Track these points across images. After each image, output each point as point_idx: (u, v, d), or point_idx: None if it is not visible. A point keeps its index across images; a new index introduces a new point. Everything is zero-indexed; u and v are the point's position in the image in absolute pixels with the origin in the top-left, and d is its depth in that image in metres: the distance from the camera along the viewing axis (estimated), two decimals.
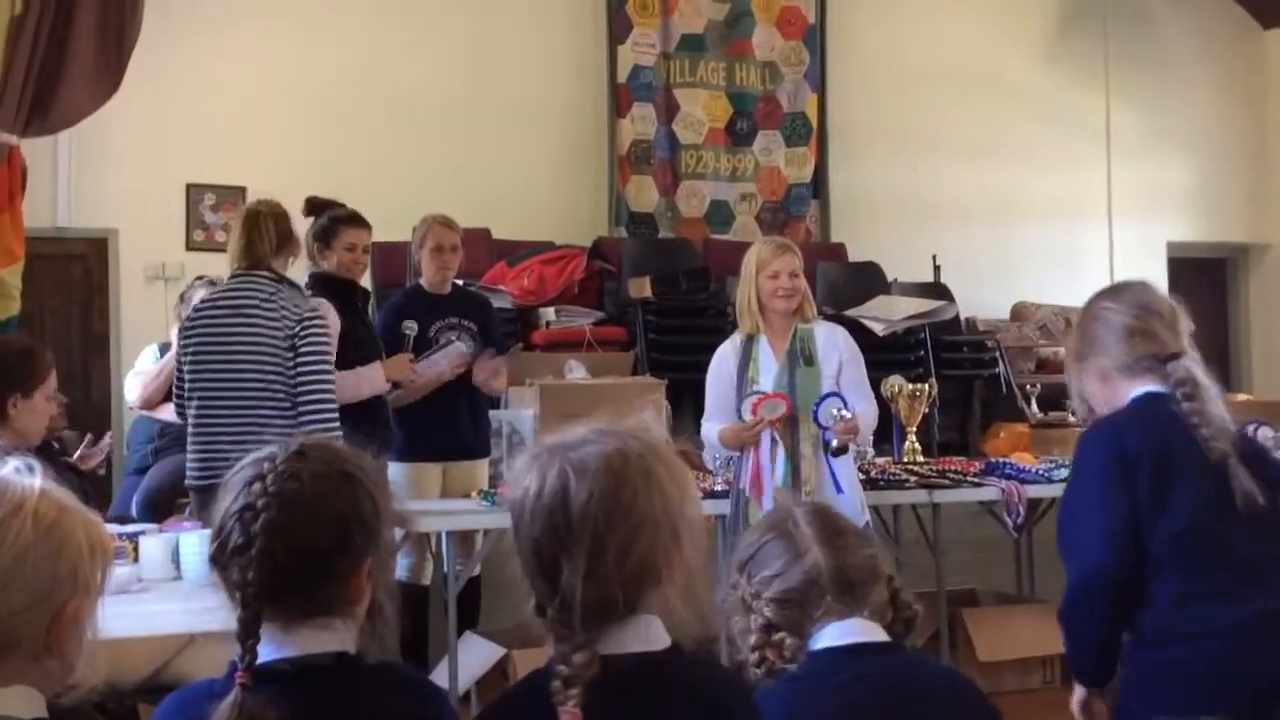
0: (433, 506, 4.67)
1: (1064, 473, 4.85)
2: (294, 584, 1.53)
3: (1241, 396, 7.62)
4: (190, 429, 4.20)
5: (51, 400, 3.49)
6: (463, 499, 4.79)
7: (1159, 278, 9.91)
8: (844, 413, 4.03)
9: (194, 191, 7.74)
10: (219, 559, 1.55)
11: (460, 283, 5.40)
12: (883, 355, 6.70)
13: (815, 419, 4.07)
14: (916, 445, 5.51)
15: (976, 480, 5.13)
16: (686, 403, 5.91)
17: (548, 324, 7.33)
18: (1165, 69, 10.16)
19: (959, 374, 7.90)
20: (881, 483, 4.96)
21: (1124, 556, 2.31)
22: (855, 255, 8.76)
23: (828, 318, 4.82)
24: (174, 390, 4.35)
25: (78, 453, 4.75)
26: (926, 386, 5.61)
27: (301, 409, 4.03)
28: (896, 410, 5.53)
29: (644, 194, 8.81)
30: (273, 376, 4.06)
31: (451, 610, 4.42)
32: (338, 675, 1.56)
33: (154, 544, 3.45)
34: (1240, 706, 2.25)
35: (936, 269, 8.85)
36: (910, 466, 5.29)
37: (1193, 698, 2.26)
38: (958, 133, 9.40)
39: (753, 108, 9.13)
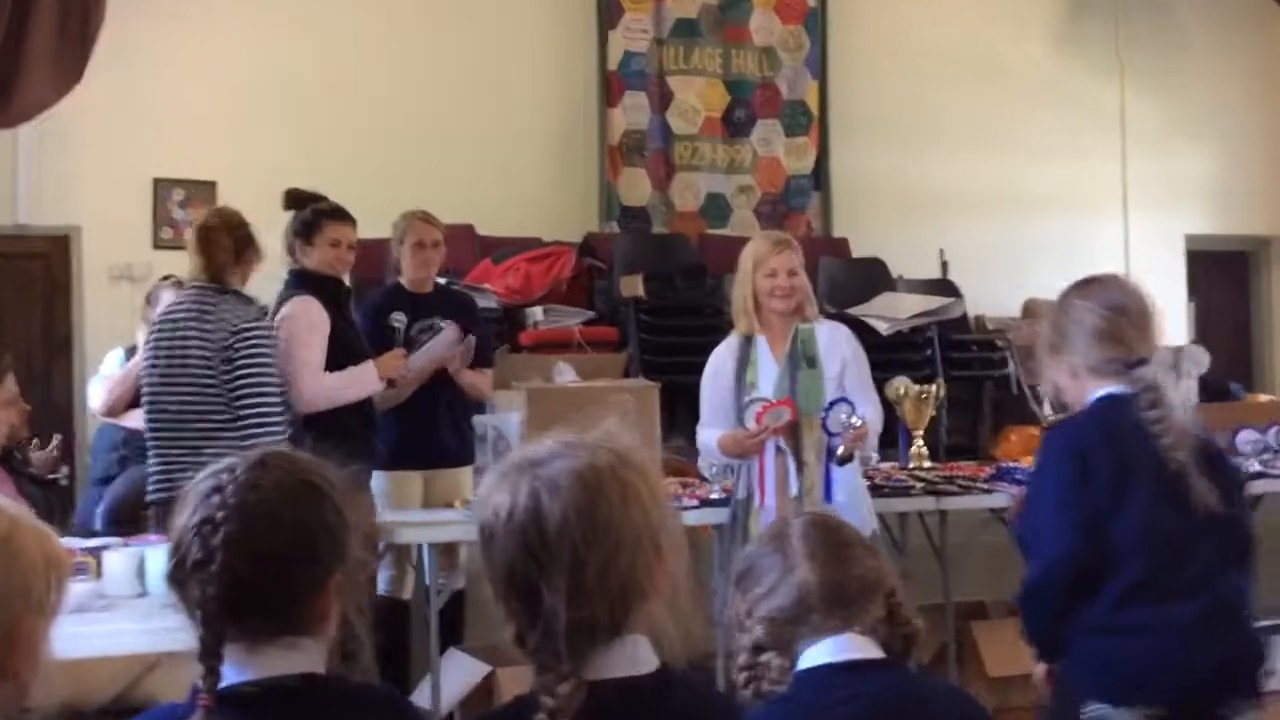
0: (414, 517, 4.65)
1: None
2: (257, 601, 1.52)
3: (1264, 398, 7.63)
4: (147, 442, 4.33)
5: (11, 406, 3.47)
6: (446, 509, 4.77)
7: (1177, 272, 9.97)
8: (854, 419, 4.02)
9: (161, 187, 7.73)
10: (177, 576, 1.54)
11: (442, 281, 5.39)
12: (887, 355, 6.70)
13: (824, 426, 4.05)
14: (923, 450, 5.49)
15: (986, 486, 5.12)
16: (681, 406, 5.89)
17: (535, 324, 7.33)
18: (1181, 53, 10.17)
19: (968, 375, 7.91)
20: (886, 489, 4.94)
21: (1084, 547, 2.49)
22: (858, 250, 8.77)
23: (830, 316, 4.80)
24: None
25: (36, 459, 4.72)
26: (934, 388, 5.60)
27: (242, 421, 4.11)
28: (902, 413, 5.51)
29: (636, 187, 8.81)
30: (210, 388, 4.15)
31: (433, 626, 4.40)
32: (306, 698, 1.54)
33: (118, 559, 3.43)
34: (1178, 702, 2.47)
35: (944, 264, 8.86)
36: (917, 472, 5.28)
37: (1133, 690, 2.48)
38: (966, 121, 9.41)
39: (750, 96, 9.13)
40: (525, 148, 8.50)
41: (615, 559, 1.49)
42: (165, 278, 5.53)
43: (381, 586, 4.79)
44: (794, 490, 4.04)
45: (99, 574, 3.44)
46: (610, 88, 8.77)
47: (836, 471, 4.11)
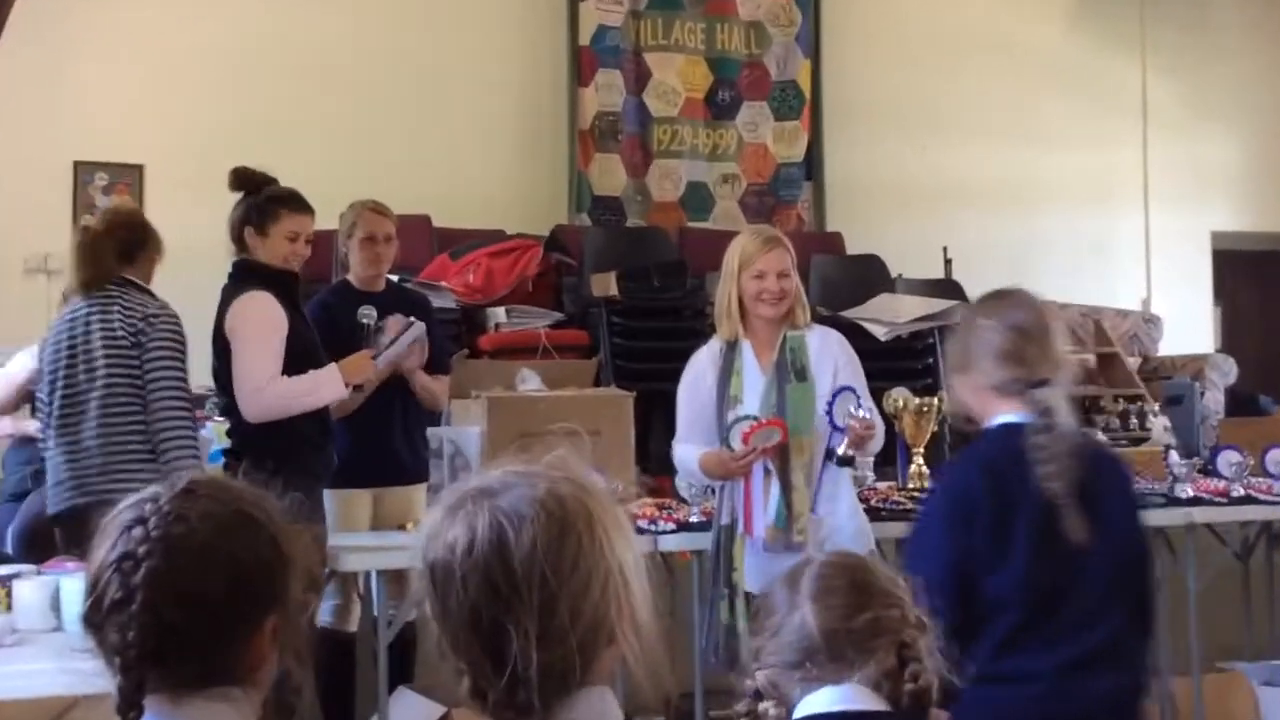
0: (361, 541, 4.63)
1: None
2: (182, 645, 1.50)
3: None
4: (46, 450, 4.36)
5: None
6: (397, 531, 4.76)
7: (1203, 273, 10.03)
8: (862, 411, 3.98)
9: (83, 170, 7.70)
10: (93, 619, 1.52)
11: (395, 279, 5.37)
12: (885, 364, 6.70)
13: (830, 419, 4.01)
14: (924, 469, 5.48)
15: None
16: (657, 417, 5.89)
17: (497, 326, 7.32)
18: (1207, 33, 10.24)
19: None
20: (884, 512, 4.93)
21: (949, 604, 2.55)
22: (854, 247, 8.78)
23: (822, 320, 4.79)
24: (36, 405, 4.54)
25: None
26: (935, 400, 5.59)
27: (158, 417, 4.19)
28: (901, 428, 5.51)
29: (609, 175, 8.81)
30: (119, 381, 4.22)
31: (382, 661, 4.37)
32: None
33: (30, 588, 3.41)
34: None
35: (947, 263, 8.88)
36: (916, 493, 5.28)
37: None
38: (972, 106, 9.45)
39: (736, 75, 9.15)
40: (487, 131, 8.49)
41: (585, 596, 1.48)
42: None
43: (324, 618, 4.76)
44: (771, 518, 4.00)
45: (8, 606, 3.40)
46: (581, 65, 8.77)
47: (836, 473, 4.09)
